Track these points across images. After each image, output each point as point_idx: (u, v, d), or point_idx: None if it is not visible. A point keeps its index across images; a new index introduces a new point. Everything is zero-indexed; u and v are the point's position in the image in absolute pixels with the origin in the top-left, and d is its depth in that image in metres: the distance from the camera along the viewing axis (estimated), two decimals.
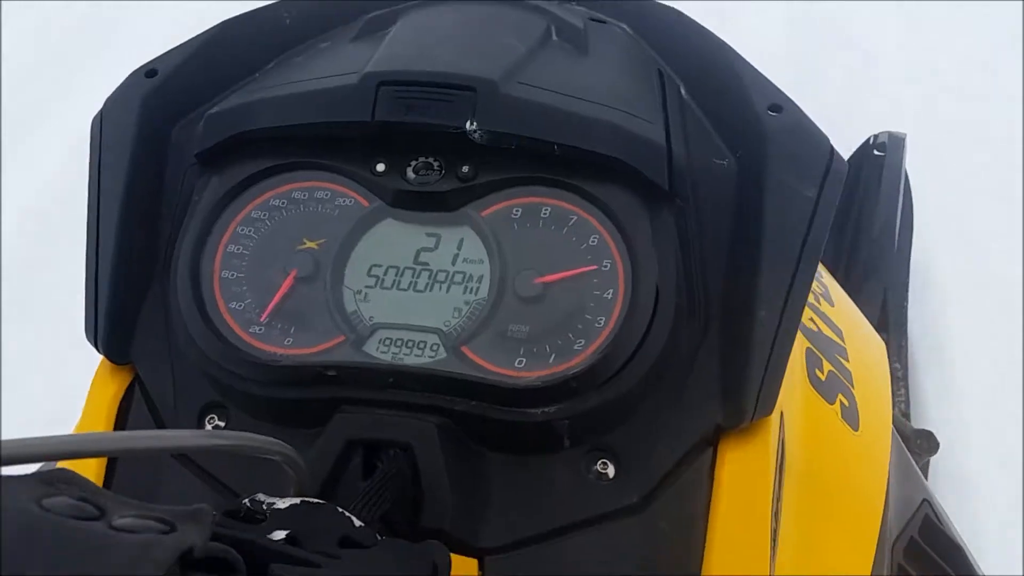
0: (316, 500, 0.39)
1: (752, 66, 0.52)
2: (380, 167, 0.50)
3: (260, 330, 0.48)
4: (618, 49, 0.56)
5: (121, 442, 0.34)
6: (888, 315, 1.25)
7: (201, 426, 0.49)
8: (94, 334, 0.50)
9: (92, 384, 0.51)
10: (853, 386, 0.63)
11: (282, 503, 0.38)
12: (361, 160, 0.50)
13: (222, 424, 0.49)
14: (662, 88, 0.53)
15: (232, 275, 0.49)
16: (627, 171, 0.47)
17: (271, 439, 0.38)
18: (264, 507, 0.37)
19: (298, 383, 0.46)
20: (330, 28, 0.58)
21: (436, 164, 0.49)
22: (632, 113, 0.49)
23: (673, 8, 0.59)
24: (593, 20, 0.58)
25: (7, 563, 0.21)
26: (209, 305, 0.48)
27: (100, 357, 0.53)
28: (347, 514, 0.38)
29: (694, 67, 0.54)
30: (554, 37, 0.54)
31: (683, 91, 0.54)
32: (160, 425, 0.49)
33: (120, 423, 0.50)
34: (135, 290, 0.51)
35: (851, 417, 0.61)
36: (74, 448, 0.30)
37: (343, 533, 0.36)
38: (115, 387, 0.50)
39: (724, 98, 0.51)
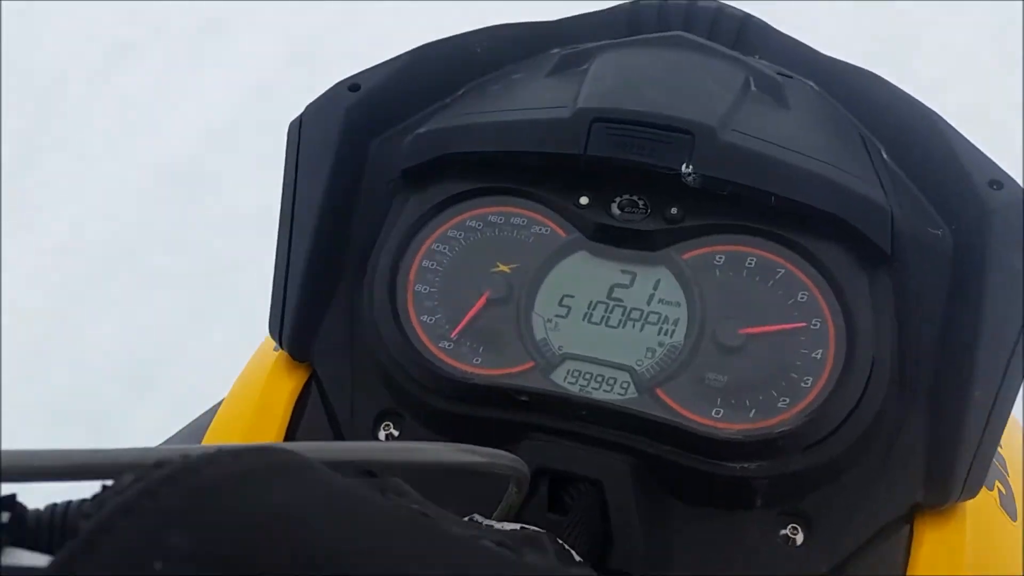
0: (535, 528, 0.38)
1: (964, 136, 0.51)
2: (583, 200, 0.49)
3: (450, 346, 0.48)
4: (815, 105, 0.56)
5: (382, 453, 0.33)
6: None
7: (375, 432, 0.48)
8: (279, 330, 0.50)
9: (269, 377, 0.51)
10: (1008, 473, 0.61)
11: (499, 525, 0.37)
12: (564, 191, 0.49)
13: (396, 433, 0.48)
14: (866, 150, 0.52)
15: (425, 289, 0.49)
16: (846, 229, 0.46)
17: (515, 457, 0.37)
18: (483, 526, 0.36)
19: (488, 403, 0.46)
20: (516, 61, 0.59)
21: (642, 203, 0.49)
22: (849, 171, 0.48)
23: (867, 70, 0.58)
24: (782, 75, 0.57)
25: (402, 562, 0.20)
26: (402, 315, 0.48)
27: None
28: (567, 547, 0.37)
29: (896, 132, 0.53)
30: (753, 88, 0.54)
31: (884, 154, 0.53)
32: (335, 425, 0.49)
33: (295, 419, 0.50)
34: (322, 293, 0.51)
35: (1009, 505, 0.58)
36: (351, 455, 0.29)
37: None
38: (293, 383, 0.50)
39: (936, 168, 0.50)
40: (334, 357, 0.50)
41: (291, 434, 0.49)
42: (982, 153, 0.50)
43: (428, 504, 0.29)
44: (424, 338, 0.48)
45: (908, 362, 0.46)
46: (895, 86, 0.56)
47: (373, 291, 0.49)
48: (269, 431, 0.49)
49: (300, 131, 0.54)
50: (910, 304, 0.47)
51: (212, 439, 0.52)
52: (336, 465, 0.25)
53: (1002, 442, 0.65)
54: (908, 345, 0.46)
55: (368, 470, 0.34)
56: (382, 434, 0.48)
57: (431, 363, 0.47)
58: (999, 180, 0.48)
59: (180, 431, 0.59)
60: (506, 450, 0.44)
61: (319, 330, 0.51)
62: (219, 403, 0.56)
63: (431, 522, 0.25)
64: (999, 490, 0.59)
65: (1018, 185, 0.49)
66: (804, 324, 0.46)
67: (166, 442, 0.57)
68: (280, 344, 0.51)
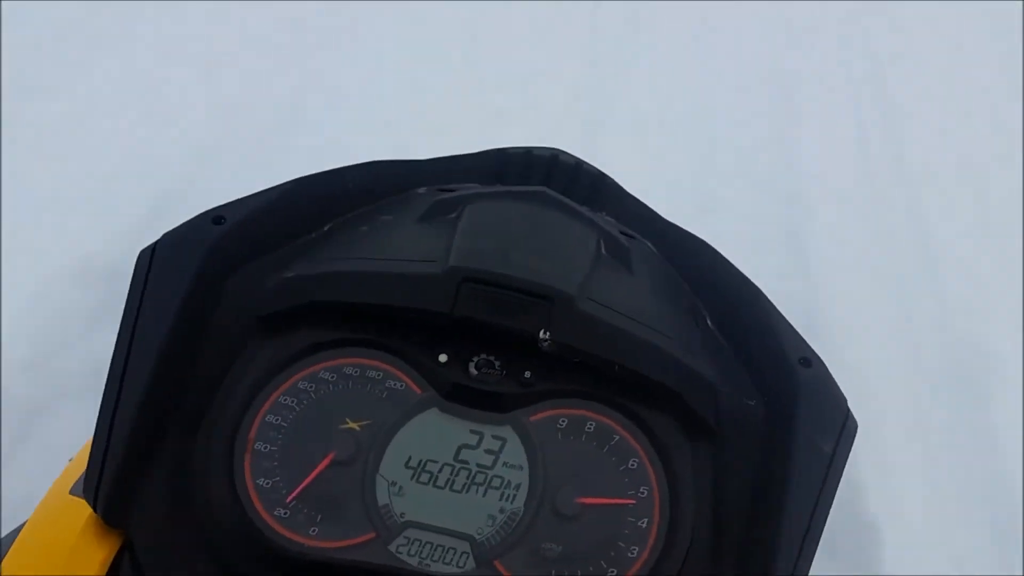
0: None
1: (781, 314, 0.56)
2: (443, 357, 0.50)
3: (285, 514, 0.46)
4: (653, 270, 0.59)
5: None
6: None
7: None
8: (95, 492, 0.46)
9: (78, 542, 0.46)
10: None
11: None
12: (425, 347, 0.50)
13: None
14: (694, 318, 0.56)
15: (266, 448, 0.47)
16: (678, 403, 0.50)
17: None
18: None
19: None
20: (383, 197, 0.59)
21: (497, 364, 0.50)
22: (685, 345, 0.52)
23: (699, 238, 0.63)
24: (625, 235, 0.61)
25: None
26: (237, 477, 0.46)
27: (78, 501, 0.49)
28: None
29: (722, 301, 0.58)
30: (604, 252, 0.57)
31: (709, 321, 0.57)
32: None
33: None
34: (149, 449, 0.47)
35: None
36: None
37: None
38: (105, 552, 0.46)
39: (756, 341, 0.55)
40: (155, 524, 0.46)
41: None
42: (795, 331, 0.56)
43: None
44: (258, 504, 0.45)
45: (721, 532, 0.49)
46: (724, 257, 0.61)
47: (209, 448, 0.46)
48: None
49: (151, 262, 0.50)
50: (726, 474, 0.50)
51: None
52: None
53: None
54: (722, 516, 0.49)
55: None
56: None
57: (263, 534, 0.44)
58: (808, 359, 0.53)
59: None
60: None
61: (141, 491, 0.47)
62: (15, 530, 0.51)
63: None
64: None
65: (824, 364, 0.54)
66: (633, 501, 0.47)
67: None
68: (95, 507, 0.46)
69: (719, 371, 0.53)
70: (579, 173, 0.65)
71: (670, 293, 0.58)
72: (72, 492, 0.50)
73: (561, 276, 0.51)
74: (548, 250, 0.53)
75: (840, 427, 0.51)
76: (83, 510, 0.48)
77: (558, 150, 0.67)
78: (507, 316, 0.49)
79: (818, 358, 0.54)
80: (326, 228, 0.55)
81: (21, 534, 0.50)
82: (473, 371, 0.50)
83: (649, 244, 0.62)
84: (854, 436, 0.52)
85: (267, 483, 0.46)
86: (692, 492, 0.48)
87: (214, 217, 0.52)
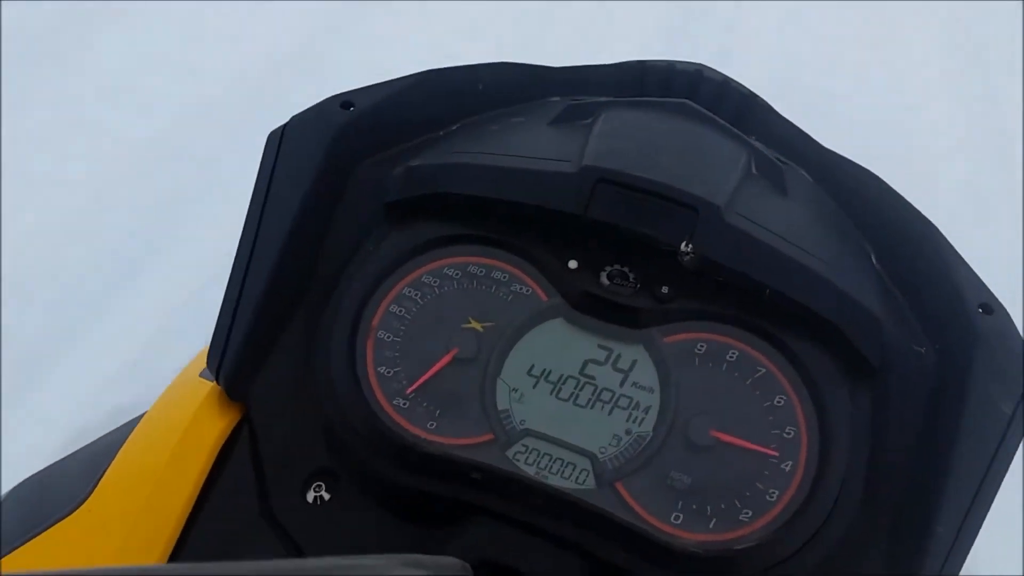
0: None
1: (960, 256, 0.50)
2: (572, 264, 0.46)
3: (404, 404, 0.44)
4: (810, 198, 0.54)
5: (318, 570, 0.29)
6: None
7: (304, 494, 0.44)
8: (218, 363, 0.46)
9: (199, 410, 0.46)
10: None
11: None
12: (553, 251, 0.46)
13: (326, 496, 0.44)
14: (859, 252, 0.51)
15: (389, 337, 0.45)
16: (836, 336, 0.44)
17: (462, 563, 0.33)
18: None
19: (436, 475, 0.42)
20: (515, 103, 0.56)
21: (632, 276, 0.46)
22: (847, 275, 0.46)
23: (867, 170, 0.56)
24: (780, 160, 0.56)
25: None
26: (359, 363, 0.44)
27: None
28: None
29: (890, 239, 0.52)
30: (754, 170, 0.52)
31: (873, 259, 0.51)
32: (260, 477, 0.45)
33: (219, 463, 0.45)
34: (274, 326, 0.47)
35: None
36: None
37: None
38: (223, 423, 0.46)
39: (927, 283, 0.49)
40: (273, 400, 0.45)
41: (211, 481, 0.44)
42: (976, 274, 0.49)
43: None
44: (378, 391, 0.44)
45: (878, 487, 0.44)
46: (894, 190, 0.55)
47: (332, 330, 0.45)
48: (189, 472, 0.44)
49: (280, 143, 0.49)
50: (887, 424, 0.45)
51: (125, 463, 0.47)
52: None
53: None
54: (878, 468, 0.44)
55: None
56: (311, 495, 0.44)
57: (381, 421, 0.43)
58: (990, 305, 0.47)
59: (92, 443, 0.54)
60: (447, 530, 0.41)
61: (263, 367, 0.46)
62: (135, 420, 0.51)
63: None
64: None
65: (1007, 313, 0.47)
66: (776, 452, 0.43)
67: (70, 457, 0.52)
68: (217, 378, 0.46)
69: (886, 312, 0.48)
70: (726, 91, 0.59)
71: (832, 225, 0.52)
72: (201, 375, 0.50)
73: (708, 185, 0.46)
74: (693, 159, 0.48)
75: (1022, 388, 0.45)
76: (207, 387, 0.47)
77: (703, 65, 0.62)
78: (645, 223, 0.45)
79: (1001, 306, 0.47)
80: (455, 127, 0.53)
81: (149, 410, 0.51)
82: (605, 281, 0.46)
83: (804, 173, 0.57)
84: None
85: (388, 371, 0.44)
86: (846, 439, 0.43)
87: (343, 102, 0.50)
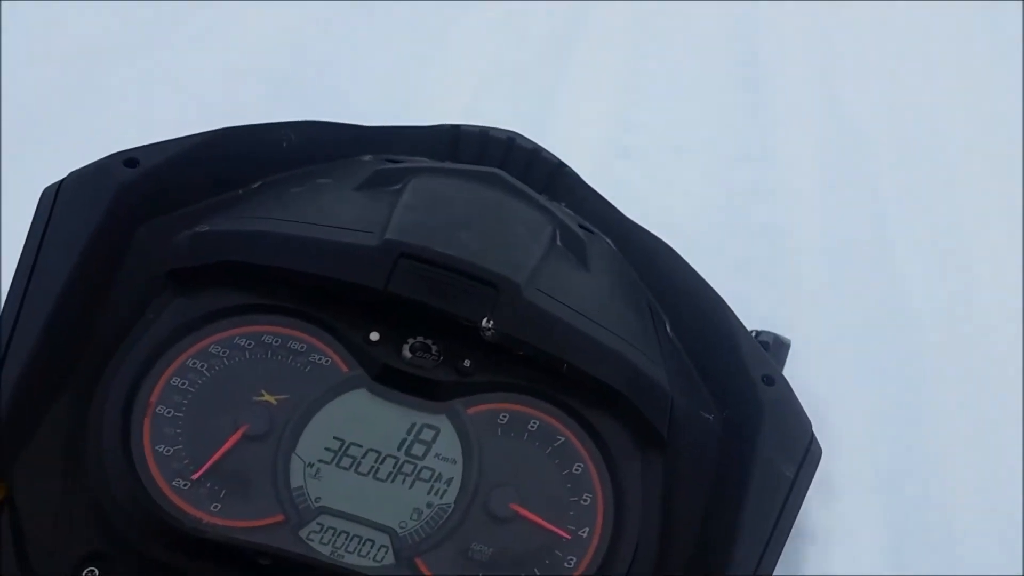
0: None
1: (745, 329, 0.53)
2: (374, 335, 0.45)
3: (185, 485, 0.41)
4: (611, 268, 0.56)
5: None
6: None
7: None
8: None
9: None
10: None
11: None
12: (355, 323, 0.45)
13: None
14: (653, 323, 0.53)
15: (169, 413, 0.42)
16: (629, 408, 0.46)
17: None
18: None
19: (216, 560, 0.39)
20: (322, 159, 0.55)
21: (435, 348, 0.46)
22: (639, 348, 0.48)
23: (663, 241, 0.60)
24: (582, 227, 0.58)
25: None
26: (134, 441, 0.41)
27: None
28: None
29: (684, 310, 0.55)
30: (558, 243, 0.53)
31: (668, 328, 0.54)
32: (24, 563, 0.40)
33: None
34: (40, 401, 0.42)
35: None
36: None
37: None
38: None
39: (717, 354, 0.52)
40: (40, 480, 0.41)
41: None
42: (759, 347, 0.52)
43: None
44: (155, 472, 0.40)
45: (670, 550, 0.45)
46: (684, 262, 0.58)
47: (104, 403, 0.41)
48: None
49: (55, 200, 0.46)
50: (677, 489, 0.46)
51: None
52: None
53: None
54: (671, 533, 0.45)
55: None
56: None
57: (156, 504, 0.39)
58: (772, 376, 0.50)
59: None
60: None
61: (28, 443, 0.41)
62: None
63: None
64: None
65: (787, 384, 0.51)
66: (568, 536, 0.43)
67: None
68: None
69: (678, 381, 0.50)
70: (536, 159, 0.62)
71: (627, 294, 0.54)
72: None
73: (509, 262, 0.47)
74: (497, 234, 0.49)
75: (804, 451, 0.48)
76: None
77: (515, 133, 0.64)
78: (447, 300, 0.45)
79: (782, 377, 0.51)
80: (255, 186, 0.51)
81: None
82: (407, 354, 0.45)
83: (608, 241, 0.59)
84: (818, 462, 0.49)
85: (168, 450, 0.41)
86: (639, 504, 0.44)
87: (126, 159, 0.47)
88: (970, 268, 1.28)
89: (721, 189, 1.44)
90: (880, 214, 1.39)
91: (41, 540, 0.40)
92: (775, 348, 1.43)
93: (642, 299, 0.55)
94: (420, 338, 0.46)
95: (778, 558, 0.46)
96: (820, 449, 0.49)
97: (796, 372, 0.61)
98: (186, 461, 0.41)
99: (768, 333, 1.47)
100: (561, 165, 0.66)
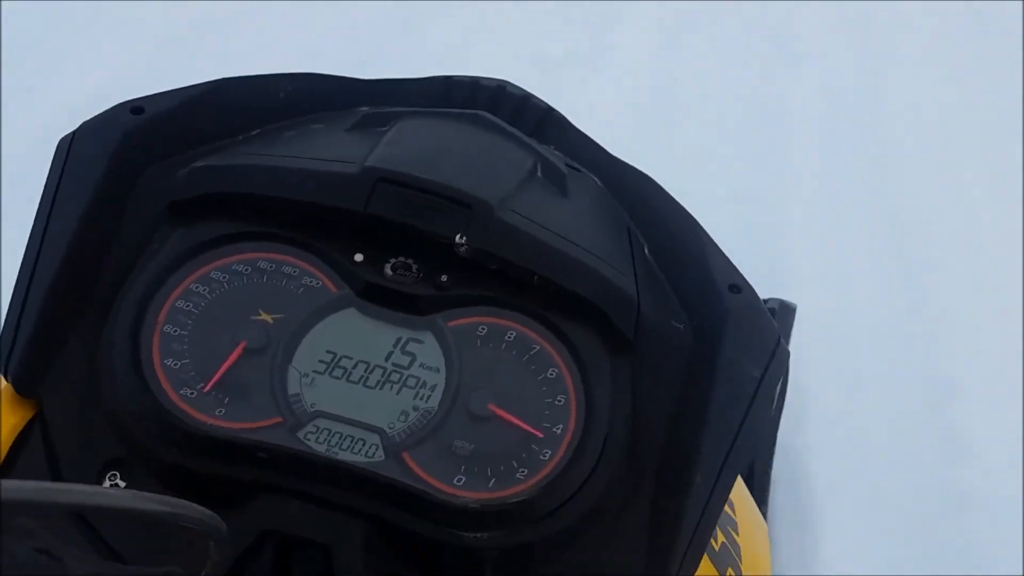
0: None
1: (716, 244, 0.56)
2: (358, 257, 0.49)
3: (192, 394, 0.45)
4: (592, 198, 0.59)
5: (42, 494, 0.31)
6: (753, 479, 1.30)
7: (100, 481, 0.45)
8: (6, 361, 0.46)
9: None
10: (741, 560, 0.65)
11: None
12: (339, 246, 0.49)
13: (123, 484, 0.45)
14: (630, 244, 0.56)
15: (175, 331, 0.47)
16: (597, 315, 0.49)
17: (206, 511, 0.35)
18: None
19: (223, 458, 0.44)
20: (319, 111, 0.59)
21: (415, 267, 0.50)
22: (609, 262, 0.52)
23: (643, 173, 0.63)
24: (569, 167, 0.61)
25: None
26: (144, 357, 0.46)
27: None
28: None
29: (660, 231, 0.58)
30: (539, 174, 0.57)
31: (646, 250, 0.57)
32: (55, 470, 0.45)
33: (11, 458, 0.45)
34: (62, 325, 0.47)
35: None
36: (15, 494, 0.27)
37: None
38: (15, 419, 0.46)
39: (687, 268, 0.55)
40: (64, 396, 0.46)
41: (5, 475, 0.45)
42: (728, 259, 0.55)
43: (59, 546, 0.27)
44: (165, 383, 0.45)
45: (640, 444, 0.48)
46: (665, 191, 0.61)
47: (116, 325, 0.46)
48: None
49: (70, 148, 0.51)
50: (646, 389, 0.50)
51: None
52: None
53: (739, 530, 0.69)
54: (641, 427, 0.48)
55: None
56: (107, 484, 0.44)
57: (168, 411, 0.44)
58: (739, 285, 0.53)
59: None
60: (238, 509, 0.43)
61: (53, 364, 0.47)
62: None
63: (51, 562, 0.23)
64: (730, 574, 0.63)
65: (754, 291, 0.54)
66: (541, 433, 0.46)
67: None
68: (5, 375, 0.46)
69: (649, 294, 0.53)
70: (526, 105, 0.65)
71: (606, 220, 0.58)
72: None
73: (483, 186, 0.51)
74: (474, 163, 0.53)
75: (770, 353, 0.51)
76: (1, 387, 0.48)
77: (505, 81, 0.67)
78: (422, 219, 0.49)
79: (748, 285, 0.54)
80: (255, 132, 0.55)
81: None
82: (389, 272, 0.49)
83: (595, 178, 0.62)
84: (786, 364, 0.52)
85: (175, 364, 0.46)
86: (608, 403, 0.48)
87: (133, 107, 0.52)
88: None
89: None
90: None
91: (68, 450, 0.45)
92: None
93: (621, 225, 0.58)
94: (401, 257, 0.50)
95: (749, 452, 0.49)
96: (787, 351, 0.52)
97: None
98: (193, 373, 0.46)
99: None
100: (550, 110, 0.69)
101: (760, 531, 0.77)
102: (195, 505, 0.35)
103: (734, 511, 0.71)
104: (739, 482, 0.82)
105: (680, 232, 0.57)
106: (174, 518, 0.33)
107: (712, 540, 0.63)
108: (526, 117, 0.67)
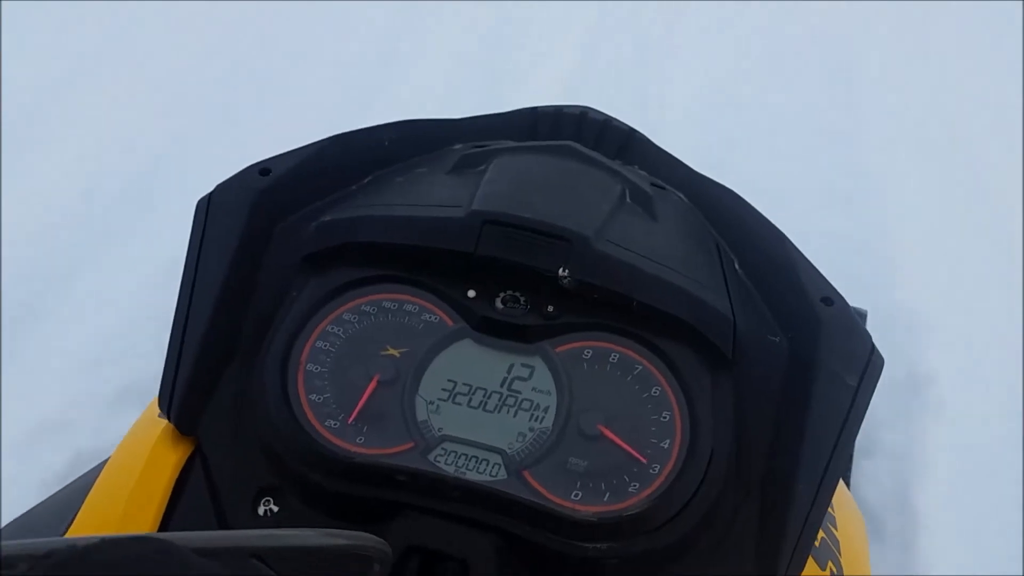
0: None
1: (805, 257, 0.59)
2: (471, 293, 0.54)
3: (335, 425, 0.51)
4: (680, 217, 0.62)
5: (249, 540, 0.36)
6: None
7: (255, 507, 0.50)
8: (168, 404, 0.52)
9: (155, 447, 0.52)
10: (840, 555, 0.68)
11: None
12: (453, 284, 0.54)
13: (275, 509, 0.50)
14: (720, 261, 0.59)
15: (317, 369, 0.52)
16: (695, 335, 0.52)
17: (377, 539, 0.40)
18: None
19: (366, 481, 0.49)
20: (420, 155, 0.64)
21: (523, 299, 0.54)
22: (702, 282, 0.55)
23: (730, 189, 0.65)
24: (654, 185, 0.64)
25: None
26: (291, 393, 0.51)
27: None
28: None
29: (749, 247, 0.61)
30: (628, 200, 0.60)
31: (737, 266, 0.60)
32: (216, 499, 0.51)
33: (177, 490, 0.51)
34: (214, 369, 0.53)
35: None
36: (221, 543, 0.32)
37: None
38: (177, 456, 0.52)
39: (779, 282, 0.57)
40: (220, 432, 0.52)
41: (172, 506, 0.50)
42: (819, 272, 0.58)
43: None
44: (311, 416, 0.50)
45: (744, 455, 0.51)
46: (750, 205, 0.64)
47: (264, 367, 0.51)
48: (150, 502, 0.50)
49: (208, 209, 0.57)
50: (747, 402, 0.53)
51: (93, 504, 0.52)
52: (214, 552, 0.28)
53: (837, 525, 0.72)
54: (744, 439, 0.52)
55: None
56: (262, 509, 0.50)
57: (315, 441, 0.49)
58: (831, 297, 0.56)
59: (62, 490, 0.59)
60: (380, 527, 0.47)
61: (208, 405, 0.52)
62: (102, 463, 0.57)
63: None
64: (831, 569, 0.65)
65: (846, 302, 0.56)
66: (645, 459, 0.50)
67: (40, 505, 0.57)
68: (168, 416, 0.52)
69: (744, 310, 0.56)
70: (607, 129, 0.68)
71: (695, 238, 0.61)
72: (159, 416, 0.56)
73: (579, 219, 0.54)
74: (569, 196, 0.57)
75: (865, 362, 0.53)
76: (161, 426, 0.54)
77: (587, 107, 0.71)
78: (527, 255, 0.53)
79: (840, 297, 0.56)
80: (367, 180, 0.61)
81: (112, 453, 0.57)
82: (500, 305, 0.54)
83: (680, 195, 0.65)
84: (880, 371, 0.54)
85: (319, 399, 0.51)
86: (711, 417, 0.51)
87: (261, 169, 0.58)
88: None
89: None
90: None
91: (225, 479, 0.51)
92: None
93: (710, 242, 0.61)
94: (510, 291, 0.54)
95: (849, 458, 0.52)
96: (882, 359, 0.54)
97: None
98: (334, 406, 0.51)
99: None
100: (632, 131, 0.72)
101: (857, 525, 0.79)
102: (370, 536, 0.39)
103: (832, 507, 0.74)
104: None
105: (769, 246, 0.60)
106: (354, 549, 0.37)
107: None
108: (609, 139, 0.71)
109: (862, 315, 1.49)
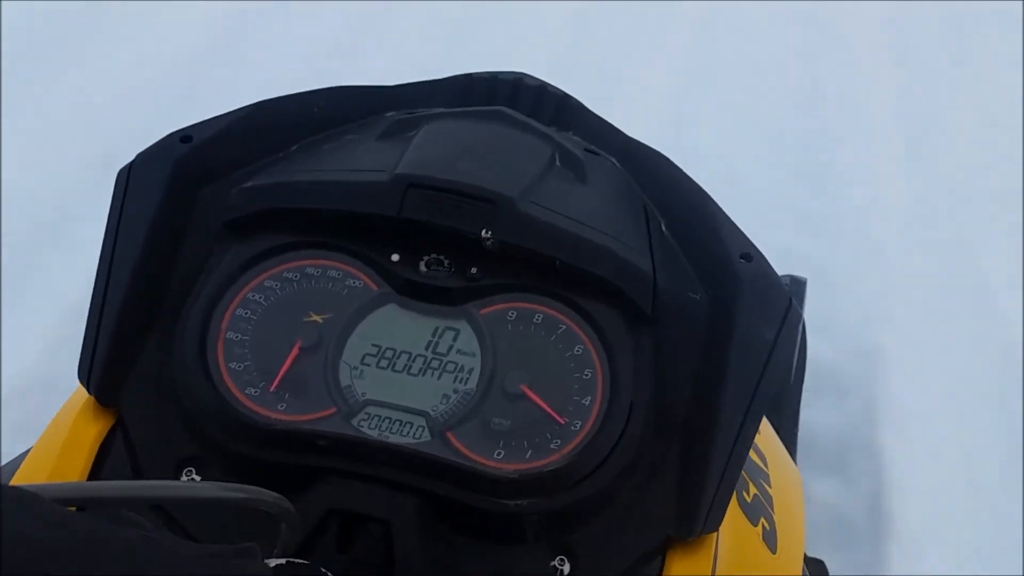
0: (302, 561, 0.42)
1: (727, 216, 0.59)
2: (395, 257, 0.54)
3: (256, 392, 0.51)
4: (610, 181, 0.63)
5: (137, 490, 0.36)
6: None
7: (178, 477, 0.50)
8: (87, 375, 0.52)
9: (75, 421, 0.52)
10: (774, 511, 0.69)
11: (270, 562, 0.40)
12: (378, 249, 0.54)
13: (198, 478, 0.50)
14: (647, 222, 0.60)
15: (237, 337, 0.52)
16: (616, 293, 0.53)
17: (278, 495, 0.40)
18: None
19: (287, 448, 0.49)
20: (352, 121, 0.63)
21: (446, 262, 0.54)
22: (625, 242, 0.55)
23: (659, 152, 0.66)
24: (587, 151, 0.65)
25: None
26: (211, 362, 0.51)
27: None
28: None
29: (675, 208, 0.61)
30: (557, 163, 0.61)
31: (663, 227, 0.61)
32: (136, 470, 0.51)
33: (98, 462, 0.51)
34: (134, 340, 0.53)
35: (771, 540, 0.66)
36: (95, 494, 0.32)
37: None
38: (98, 428, 0.52)
39: (702, 241, 0.58)
40: (141, 403, 0.52)
41: (93, 477, 0.50)
42: (740, 230, 0.59)
43: (162, 532, 0.32)
44: (231, 384, 0.50)
45: (664, 409, 0.52)
46: (678, 167, 0.64)
47: (184, 335, 0.51)
48: (72, 474, 0.50)
49: (128, 178, 0.56)
50: (668, 358, 0.53)
51: (20, 479, 0.52)
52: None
53: (771, 481, 0.73)
54: (664, 394, 0.53)
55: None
56: (183, 478, 0.50)
57: (235, 409, 0.49)
58: (750, 254, 0.57)
59: None
60: (303, 495, 0.48)
61: (128, 376, 0.52)
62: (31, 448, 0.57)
63: (159, 544, 0.28)
64: (763, 525, 0.67)
65: (765, 259, 0.57)
66: (564, 420, 0.50)
67: None
68: (88, 388, 0.52)
69: (666, 268, 0.57)
70: (543, 95, 0.68)
71: (624, 201, 0.61)
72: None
73: (504, 182, 0.55)
74: (496, 160, 0.57)
75: (782, 316, 0.54)
76: (82, 399, 0.53)
77: (522, 73, 0.71)
78: (450, 218, 0.53)
79: (760, 254, 0.57)
80: (294, 148, 0.60)
81: (45, 429, 0.57)
82: (424, 268, 0.54)
83: (613, 160, 0.66)
84: (798, 325, 0.55)
85: (239, 367, 0.51)
86: (631, 373, 0.51)
87: (182, 136, 0.57)
88: None
89: None
90: None
91: (147, 451, 0.51)
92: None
93: (638, 204, 0.62)
94: (434, 254, 0.54)
95: (764, 410, 0.53)
96: (799, 314, 0.55)
97: None
98: (255, 374, 0.51)
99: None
100: (566, 97, 0.72)
101: (793, 483, 0.81)
102: (268, 491, 0.40)
103: (766, 464, 0.75)
104: (772, 436, 0.86)
105: (694, 207, 0.60)
106: (250, 503, 0.38)
107: (744, 492, 0.67)
108: (544, 106, 0.71)
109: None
